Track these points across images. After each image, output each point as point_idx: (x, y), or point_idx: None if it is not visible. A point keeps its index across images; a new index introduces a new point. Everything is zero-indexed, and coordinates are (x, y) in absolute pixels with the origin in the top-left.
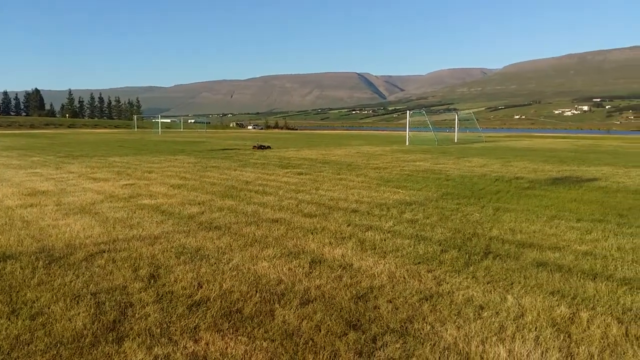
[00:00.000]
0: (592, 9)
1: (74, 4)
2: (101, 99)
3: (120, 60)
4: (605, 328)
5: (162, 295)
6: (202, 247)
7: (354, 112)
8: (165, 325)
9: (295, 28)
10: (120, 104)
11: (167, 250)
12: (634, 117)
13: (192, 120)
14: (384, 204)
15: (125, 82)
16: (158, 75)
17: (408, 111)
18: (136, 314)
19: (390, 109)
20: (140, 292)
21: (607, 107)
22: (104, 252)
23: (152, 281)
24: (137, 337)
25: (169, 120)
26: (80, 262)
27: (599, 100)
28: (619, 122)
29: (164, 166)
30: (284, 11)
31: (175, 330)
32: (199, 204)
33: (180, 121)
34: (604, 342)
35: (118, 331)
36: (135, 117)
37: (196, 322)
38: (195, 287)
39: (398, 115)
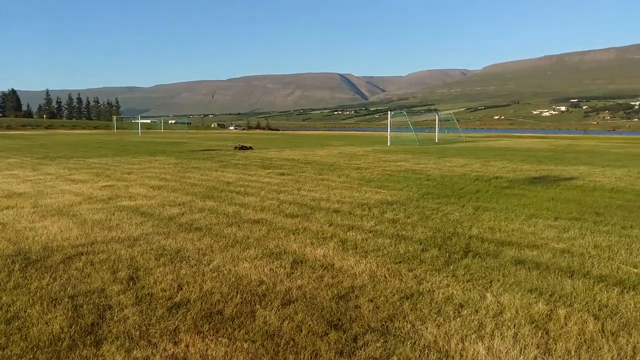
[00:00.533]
0: (570, 11)
1: (51, 3)
2: (79, 100)
3: (99, 61)
4: (582, 324)
5: (141, 298)
6: (182, 248)
7: (336, 112)
8: (144, 328)
9: (277, 28)
10: (99, 104)
11: (146, 252)
12: (610, 117)
13: (173, 121)
14: (366, 204)
15: (104, 83)
16: (138, 76)
17: (389, 112)
18: (115, 317)
19: (371, 109)
20: (119, 294)
21: (584, 107)
22: (82, 254)
23: (131, 283)
24: (115, 340)
25: (149, 121)
26: (58, 264)
27: (576, 100)
28: (595, 122)
29: (144, 167)
30: (265, 11)
31: (155, 332)
32: (179, 205)
33: (161, 122)
34: (580, 338)
35: (96, 334)
36: (114, 117)
37: (176, 324)
38: (175, 289)
39: (379, 115)
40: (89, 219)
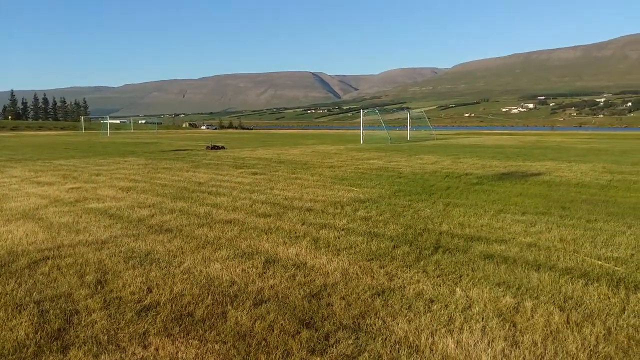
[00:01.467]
0: (537, 10)
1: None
2: (45, 100)
3: (65, 60)
4: (548, 316)
5: (109, 302)
6: (152, 250)
7: (309, 111)
8: (112, 332)
9: (248, 27)
10: (66, 104)
11: (115, 255)
12: (576, 113)
13: (143, 121)
14: (339, 202)
15: (71, 82)
16: (106, 75)
17: (362, 110)
18: (82, 322)
19: (344, 108)
20: (87, 298)
21: (551, 104)
22: (48, 258)
23: (99, 287)
24: (83, 345)
25: (118, 121)
26: (23, 269)
27: (543, 98)
28: (562, 119)
29: (113, 168)
30: (236, 10)
31: (124, 336)
32: (149, 206)
33: (130, 122)
34: (547, 329)
35: (63, 340)
36: (82, 118)
37: (145, 327)
38: (145, 292)
39: (352, 114)
40: (56, 222)
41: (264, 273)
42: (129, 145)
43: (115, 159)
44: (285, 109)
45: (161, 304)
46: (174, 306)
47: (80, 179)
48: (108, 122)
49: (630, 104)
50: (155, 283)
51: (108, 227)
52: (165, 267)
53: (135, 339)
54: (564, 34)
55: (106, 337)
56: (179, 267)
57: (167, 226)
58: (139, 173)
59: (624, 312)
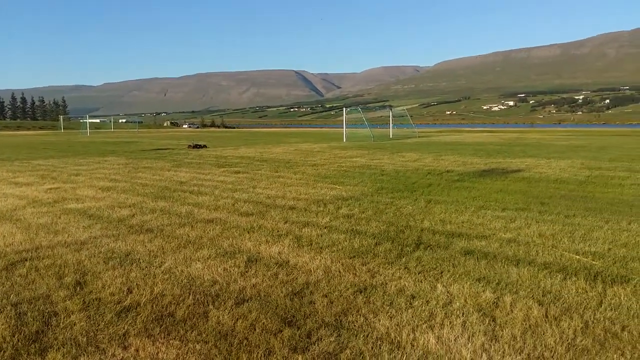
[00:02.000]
0: (516, 8)
1: None
2: (24, 99)
3: (43, 59)
4: (527, 310)
5: (88, 303)
6: (133, 250)
7: (292, 109)
8: (92, 334)
9: (230, 25)
10: (45, 104)
11: (94, 256)
12: (555, 111)
13: (124, 120)
14: (321, 200)
15: (49, 81)
16: (85, 74)
17: (344, 108)
18: (61, 324)
19: (327, 106)
20: (65, 300)
21: (531, 102)
22: (26, 260)
23: (78, 288)
24: (61, 347)
25: (98, 121)
26: (0, 271)
27: (523, 95)
28: (541, 116)
29: (92, 168)
30: (217, 8)
31: (103, 337)
32: (129, 206)
33: (111, 121)
34: (525, 324)
35: (41, 342)
36: (61, 117)
37: (125, 328)
38: (125, 293)
39: (335, 112)
40: (34, 223)
41: (246, 272)
42: (109, 144)
43: (95, 158)
44: (268, 107)
45: (141, 304)
46: (154, 306)
47: (59, 179)
48: (88, 121)
49: (608, 101)
50: (135, 283)
51: (87, 227)
52: (146, 267)
53: (115, 340)
54: (543, 32)
55: (85, 338)
56: (159, 267)
57: (147, 226)
58: (119, 173)
59: (601, 306)
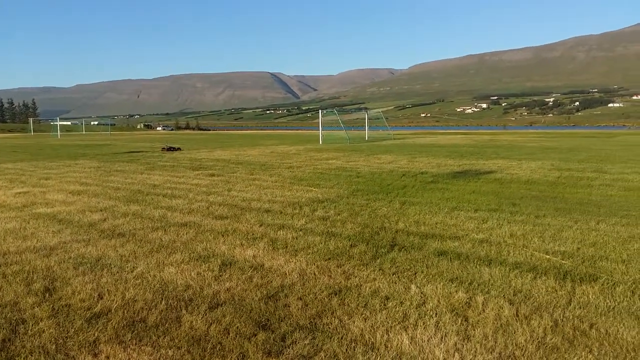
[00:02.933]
0: (489, 12)
1: None
2: None
3: (12, 60)
4: (499, 310)
5: (58, 310)
6: (104, 255)
7: (268, 111)
8: (61, 341)
9: (204, 27)
10: (14, 106)
11: (64, 262)
12: (527, 113)
13: (96, 122)
14: (297, 203)
15: (19, 83)
16: (56, 75)
17: (320, 111)
18: (29, 331)
19: (304, 108)
20: (34, 307)
21: (503, 104)
22: None
23: (47, 295)
24: (29, 356)
25: (69, 123)
26: None
27: (496, 98)
28: (514, 119)
29: (63, 172)
30: (191, 10)
31: (73, 345)
32: (101, 210)
33: (82, 123)
34: (497, 323)
35: (8, 351)
36: (31, 120)
37: (96, 335)
38: (95, 299)
39: (312, 114)
40: (1, 229)
41: (220, 276)
42: (81, 147)
43: (65, 162)
44: (244, 109)
45: (112, 310)
46: (126, 312)
47: (28, 183)
48: (58, 123)
49: (577, 103)
50: (106, 289)
51: (57, 232)
52: (117, 272)
53: (85, 347)
54: (515, 36)
55: (54, 346)
56: (131, 272)
57: (119, 230)
58: (91, 176)
59: (570, 304)
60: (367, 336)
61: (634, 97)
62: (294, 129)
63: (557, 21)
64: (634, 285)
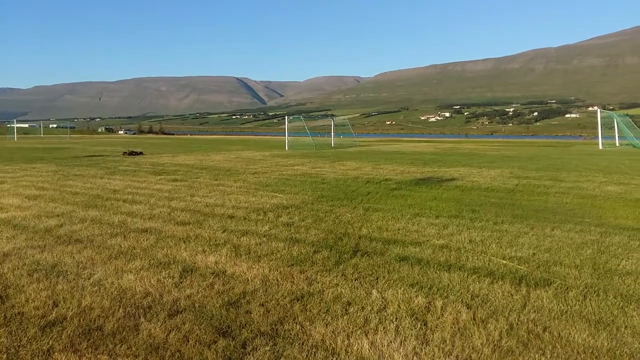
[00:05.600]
0: (451, 23)
1: None
2: None
3: None
4: (457, 314)
5: (10, 318)
6: (60, 262)
7: (234, 116)
8: (13, 350)
9: (170, 30)
10: None
11: (18, 268)
12: (488, 122)
13: (55, 125)
14: (261, 209)
15: None
16: (13, 76)
17: (287, 117)
18: None
19: (270, 114)
20: None
21: (465, 113)
22: None
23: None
24: None
25: (27, 125)
26: None
27: (458, 107)
28: (475, 127)
29: (19, 176)
30: (155, 12)
31: (25, 354)
32: (57, 215)
33: (40, 126)
34: (455, 327)
35: None
36: None
37: (50, 343)
38: (50, 307)
39: (278, 120)
40: None
41: (181, 283)
42: (38, 150)
43: (21, 165)
44: (209, 114)
45: (68, 318)
46: (81, 320)
47: None
48: (15, 126)
49: (536, 113)
50: (61, 297)
51: (11, 238)
52: (74, 279)
53: (38, 356)
54: (477, 47)
55: (6, 355)
56: (88, 279)
57: (76, 236)
58: (48, 180)
59: (525, 308)
60: (328, 342)
61: (590, 109)
62: (261, 134)
63: (517, 33)
64: (585, 290)
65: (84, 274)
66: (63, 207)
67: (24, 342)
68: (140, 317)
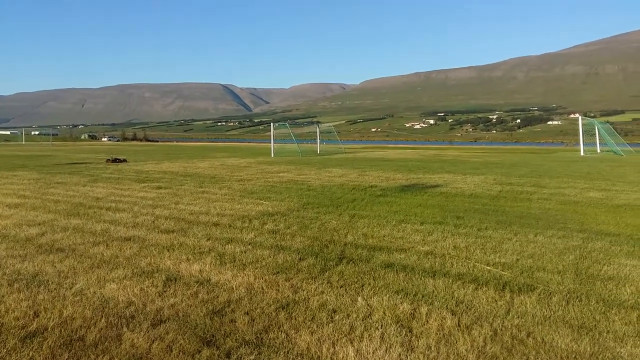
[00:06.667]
0: (435, 31)
1: None
2: None
3: None
4: (441, 320)
5: None
6: (41, 271)
7: (219, 123)
8: None
9: (154, 36)
10: None
11: None
12: (472, 129)
13: (37, 132)
14: (247, 216)
15: None
16: None
17: (272, 124)
18: None
19: (256, 121)
20: None
21: (449, 120)
22: None
23: None
24: None
25: (8, 132)
26: None
27: (443, 114)
28: (459, 134)
29: (0, 184)
30: (140, 18)
31: None
32: (39, 224)
33: (22, 133)
34: (440, 333)
35: None
36: None
37: (30, 354)
38: (31, 317)
39: (264, 127)
40: None
41: (165, 292)
42: (20, 158)
43: (2, 173)
44: (194, 120)
45: (49, 329)
46: (63, 331)
47: None
48: None
49: (519, 120)
50: (42, 307)
51: None
52: (55, 289)
53: None
54: (460, 55)
55: None
56: (70, 289)
57: (58, 245)
58: (30, 188)
59: (509, 314)
60: (313, 350)
61: (571, 116)
62: (246, 141)
63: (499, 42)
64: (568, 295)
65: (66, 284)
66: (45, 215)
67: (3, 354)
68: (122, 327)
